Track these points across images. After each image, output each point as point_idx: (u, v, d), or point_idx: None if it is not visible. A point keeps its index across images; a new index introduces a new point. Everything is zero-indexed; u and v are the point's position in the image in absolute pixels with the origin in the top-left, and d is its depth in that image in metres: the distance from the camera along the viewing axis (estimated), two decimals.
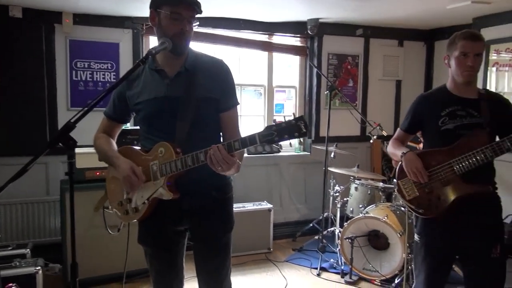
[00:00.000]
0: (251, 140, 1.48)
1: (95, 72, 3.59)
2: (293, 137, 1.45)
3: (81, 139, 3.39)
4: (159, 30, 1.65)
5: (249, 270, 3.56)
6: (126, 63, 3.70)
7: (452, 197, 1.99)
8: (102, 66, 3.62)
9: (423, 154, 2.10)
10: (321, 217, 4.03)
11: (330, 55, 4.49)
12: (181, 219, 1.75)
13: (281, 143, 4.41)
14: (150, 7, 1.66)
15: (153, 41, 3.91)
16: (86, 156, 3.11)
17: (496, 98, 2.10)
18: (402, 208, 3.57)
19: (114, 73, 3.65)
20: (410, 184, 2.11)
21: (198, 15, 1.67)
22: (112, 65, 3.65)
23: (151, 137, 1.75)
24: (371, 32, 4.59)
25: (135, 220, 1.82)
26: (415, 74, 4.92)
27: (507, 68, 3.84)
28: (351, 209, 3.90)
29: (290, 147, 4.66)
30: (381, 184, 3.88)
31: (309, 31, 4.14)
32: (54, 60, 3.50)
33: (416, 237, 2.19)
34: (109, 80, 3.64)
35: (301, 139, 4.63)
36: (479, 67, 2.02)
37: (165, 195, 1.66)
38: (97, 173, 3.16)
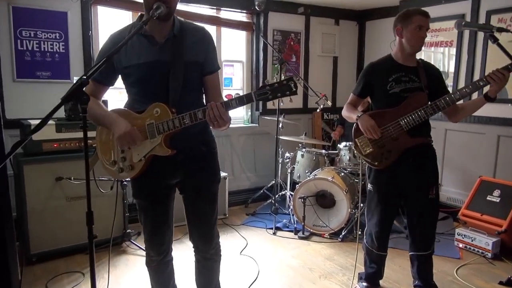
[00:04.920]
0: (247, 98, 1.66)
1: (42, 42, 3.43)
2: (285, 95, 1.65)
3: (34, 111, 3.31)
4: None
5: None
6: (75, 33, 3.57)
7: (402, 149, 2.37)
8: (50, 35, 3.46)
9: (374, 114, 2.44)
10: (273, 182, 4.34)
11: (275, 31, 4.73)
12: (174, 173, 1.89)
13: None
14: None
15: (101, 11, 3.81)
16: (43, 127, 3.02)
17: (430, 67, 2.52)
18: (345, 170, 4.01)
19: (63, 43, 3.52)
20: (365, 141, 2.45)
21: None
22: (61, 35, 3.50)
23: (142, 99, 1.84)
24: (311, 10, 4.90)
25: (128, 179, 1.92)
26: (349, 51, 5.37)
27: (430, 48, 4.40)
28: (298, 174, 4.25)
29: (239, 119, 4.87)
30: (323, 151, 4.29)
31: (256, 7, 4.32)
32: None
33: (369, 186, 2.56)
34: (58, 50, 3.50)
35: (250, 112, 4.87)
36: None
37: (163, 152, 1.79)
38: (55, 145, 3.09)
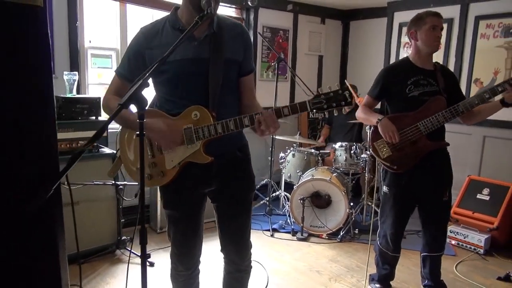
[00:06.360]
0: (301, 107, 1.57)
1: None
2: (340, 105, 1.56)
3: None
4: None
5: (206, 237, 3.61)
6: (60, 24, 3.28)
7: (421, 152, 2.38)
8: None
9: (393, 118, 2.44)
10: (262, 183, 4.27)
11: (265, 28, 4.65)
12: (209, 181, 1.76)
13: None
14: None
15: (87, 0, 3.53)
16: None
17: (446, 70, 2.55)
18: (338, 170, 4.03)
19: None
20: (383, 145, 2.45)
21: None
22: None
23: (175, 99, 1.69)
24: (299, 8, 4.86)
25: (157, 186, 1.78)
26: (334, 51, 5.40)
27: None
28: (289, 174, 4.22)
29: None
30: (313, 150, 4.28)
31: (249, 2, 4.21)
32: None
33: (385, 189, 2.55)
34: None
35: None
36: None
37: (201, 159, 1.66)
38: None
